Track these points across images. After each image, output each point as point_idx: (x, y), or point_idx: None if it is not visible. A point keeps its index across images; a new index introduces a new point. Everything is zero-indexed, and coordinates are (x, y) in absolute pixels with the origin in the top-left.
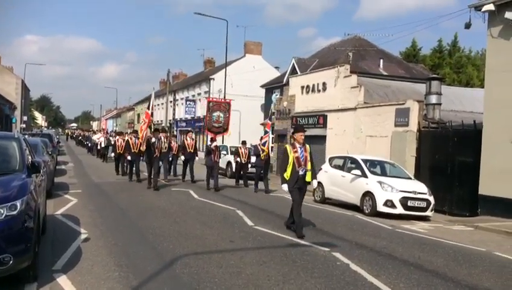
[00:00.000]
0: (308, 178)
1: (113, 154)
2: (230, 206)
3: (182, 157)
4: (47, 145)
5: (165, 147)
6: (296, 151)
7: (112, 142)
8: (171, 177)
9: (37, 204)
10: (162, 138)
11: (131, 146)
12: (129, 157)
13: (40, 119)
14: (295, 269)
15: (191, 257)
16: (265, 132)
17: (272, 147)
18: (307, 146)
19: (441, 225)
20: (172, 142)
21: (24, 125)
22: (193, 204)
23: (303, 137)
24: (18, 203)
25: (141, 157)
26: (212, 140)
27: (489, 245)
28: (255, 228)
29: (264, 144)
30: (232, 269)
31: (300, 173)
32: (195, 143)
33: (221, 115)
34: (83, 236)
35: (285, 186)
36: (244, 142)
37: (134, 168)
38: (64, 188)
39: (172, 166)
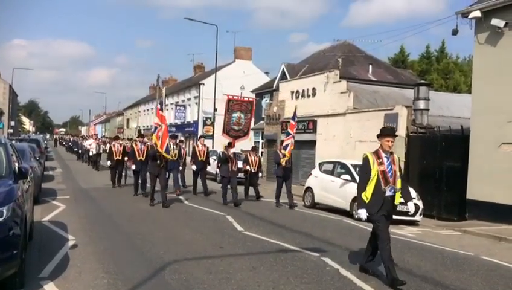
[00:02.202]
0: (396, 200)
1: (109, 163)
2: (220, 211)
3: (193, 167)
4: (34, 151)
5: (175, 155)
6: (381, 163)
7: (106, 149)
8: (182, 189)
9: (23, 210)
10: (172, 144)
11: (137, 153)
12: (133, 167)
13: (27, 124)
14: (285, 274)
15: (180, 263)
16: (288, 134)
17: (261, 153)
18: (395, 156)
19: (429, 230)
20: (182, 149)
21: (11, 131)
22: (183, 209)
23: (391, 144)
24: (4, 210)
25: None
26: (230, 145)
27: (477, 249)
28: (245, 234)
29: (285, 148)
30: (221, 275)
31: (388, 193)
32: (208, 150)
33: (242, 116)
34: (71, 243)
35: (363, 213)
36: (254, 148)
37: (140, 179)
38: (52, 194)
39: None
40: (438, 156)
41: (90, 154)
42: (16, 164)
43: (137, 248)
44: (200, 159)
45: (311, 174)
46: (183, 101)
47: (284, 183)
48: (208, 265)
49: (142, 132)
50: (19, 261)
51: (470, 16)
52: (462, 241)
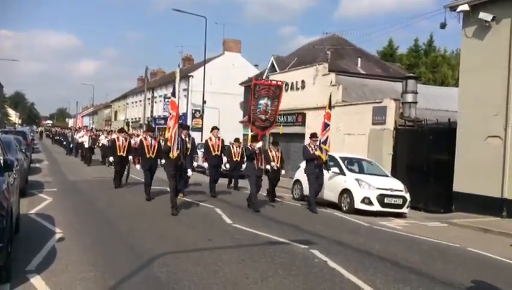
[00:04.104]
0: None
1: (111, 159)
2: (210, 204)
3: (205, 165)
4: (21, 143)
5: (188, 149)
6: None
7: (99, 143)
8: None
9: (9, 203)
10: (183, 136)
11: (146, 149)
12: (138, 167)
13: (13, 116)
14: (273, 266)
15: (169, 256)
16: (327, 125)
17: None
18: None
19: (416, 222)
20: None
21: None
22: (165, 201)
23: None
24: None
25: (159, 164)
26: (256, 139)
27: (464, 241)
28: (234, 226)
29: (325, 142)
30: (210, 268)
31: None
32: (223, 144)
33: (269, 102)
34: (58, 236)
35: None
36: (275, 143)
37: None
38: (39, 187)
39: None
40: (426, 149)
41: (83, 147)
42: (1, 157)
43: (125, 241)
44: (214, 153)
45: (300, 167)
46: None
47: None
48: (197, 258)
49: (130, 124)
50: (5, 254)
51: (458, 10)
52: (448, 233)
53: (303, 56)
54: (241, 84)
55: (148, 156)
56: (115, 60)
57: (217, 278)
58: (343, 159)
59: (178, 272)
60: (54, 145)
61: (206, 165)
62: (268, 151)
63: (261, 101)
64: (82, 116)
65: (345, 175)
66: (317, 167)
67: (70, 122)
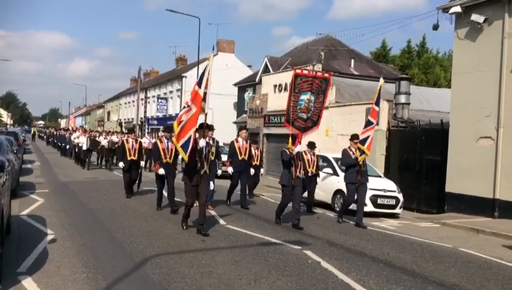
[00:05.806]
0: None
1: (121, 164)
2: None
3: (230, 170)
4: (12, 144)
5: (212, 154)
6: None
7: (105, 144)
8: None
9: (0, 204)
10: (207, 139)
11: (162, 152)
12: (161, 171)
13: (5, 116)
14: (267, 267)
15: (161, 257)
16: (370, 123)
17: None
18: None
19: (409, 222)
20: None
21: None
22: (164, 203)
23: None
24: None
25: (176, 171)
26: (294, 141)
27: (456, 241)
28: (227, 227)
29: (363, 142)
30: (203, 269)
31: None
32: (250, 146)
33: (312, 98)
34: (50, 237)
35: None
36: (311, 145)
37: (166, 188)
38: (30, 188)
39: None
40: (418, 150)
41: (77, 150)
42: None
43: (117, 242)
44: (240, 157)
45: None
46: (165, 93)
47: (355, 192)
48: (190, 259)
49: (124, 124)
50: None
51: (450, 11)
52: (440, 233)
53: (297, 57)
54: (235, 84)
55: (164, 161)
56: (108, 60)
57: (210, 279)
58: (337, 159)
59: (171, 273)
60: (47, 146)
61: (230, 170)
62: (303, 154)
63: (303, 97)
64: (74, 117)
65: (338, 176)
66: (359, 174)
67: (63, 122)
